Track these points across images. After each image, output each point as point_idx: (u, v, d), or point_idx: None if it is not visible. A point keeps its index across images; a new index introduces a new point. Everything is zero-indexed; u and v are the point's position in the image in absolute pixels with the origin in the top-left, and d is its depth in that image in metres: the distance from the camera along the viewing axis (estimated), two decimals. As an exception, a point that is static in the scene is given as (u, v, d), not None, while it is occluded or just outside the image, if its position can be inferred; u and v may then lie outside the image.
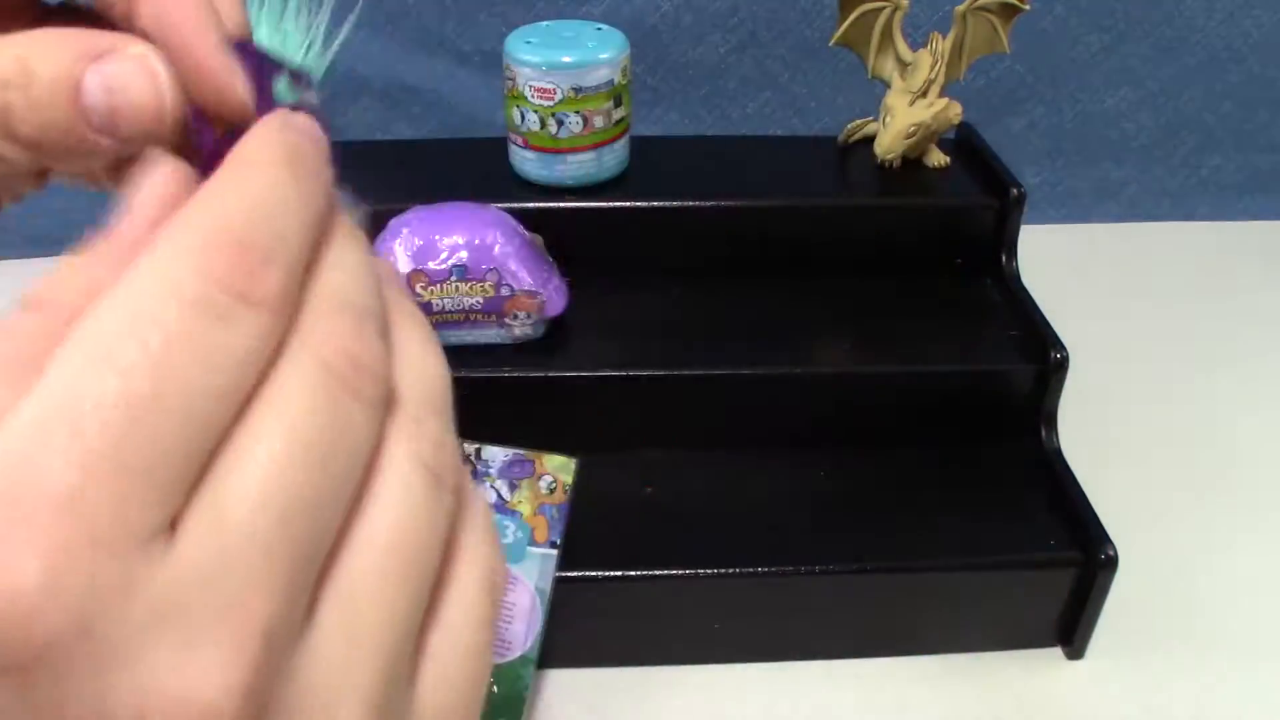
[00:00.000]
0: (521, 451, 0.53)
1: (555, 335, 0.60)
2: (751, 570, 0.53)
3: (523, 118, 0.62)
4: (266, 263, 0.16)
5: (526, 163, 0.64)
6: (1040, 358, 0.58)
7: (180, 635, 0.15)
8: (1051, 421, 0.59)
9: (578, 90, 0.60)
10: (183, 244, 0.16)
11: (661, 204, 0.64)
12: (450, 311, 0.57)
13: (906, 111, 0.64)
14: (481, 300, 0.56)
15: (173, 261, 0.16)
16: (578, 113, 0.61)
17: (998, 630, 0.56)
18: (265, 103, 0.20)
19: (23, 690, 0.14)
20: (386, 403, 0.18)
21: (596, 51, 0.60)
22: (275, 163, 0.18)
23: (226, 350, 0.16)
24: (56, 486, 0.14)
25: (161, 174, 0.18)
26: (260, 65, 0.21)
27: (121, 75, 0.18)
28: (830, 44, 0.66)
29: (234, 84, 0.19)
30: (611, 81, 0.61)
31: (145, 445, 0.15)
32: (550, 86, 0.60)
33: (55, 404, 0.14)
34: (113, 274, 0.16)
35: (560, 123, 0.61)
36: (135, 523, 0.14)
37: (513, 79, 0.61)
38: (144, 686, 0.14)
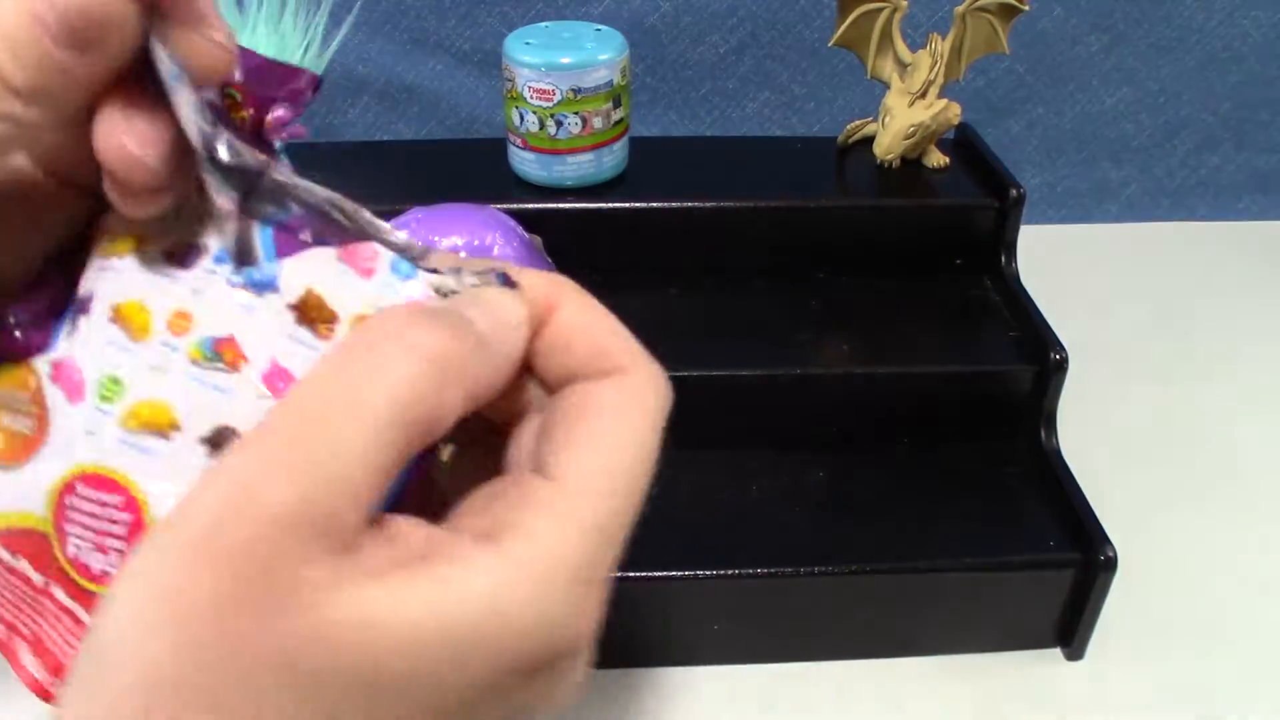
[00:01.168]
0: (521, 452, 0.53)
1: (555, 336, 0.60)
2: (751, 570, 0.53)
3: (522, 119, 0.62)
4: None
5: (525, 164, 0.64)
6: (1040, 358, 0.58)
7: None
8: (1051, 422, 0.59)
9: (577, 91, 0.60)
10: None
11: (661, 204, 0.64)
12: (450, 312, 0.57)
13: (906, 112, 0.64)
14: (481, 301, 0.56)
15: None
16: (577, 114, 0.61)
17: (997, 631, 0.56)
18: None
19: (545, 682, 0.22)
20: None
21: (595, 53, 0.60)
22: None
23: None
24: (608, 565, 0.23)
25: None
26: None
27: None
28: (829, 45, 0.66)
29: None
30: (610, 82, 0.61)
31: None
32: (549, 88, 0.60)
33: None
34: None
35: (559, 124, 0.61)
36: None
37: (511, 80, 0.61)
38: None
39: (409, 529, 0.21)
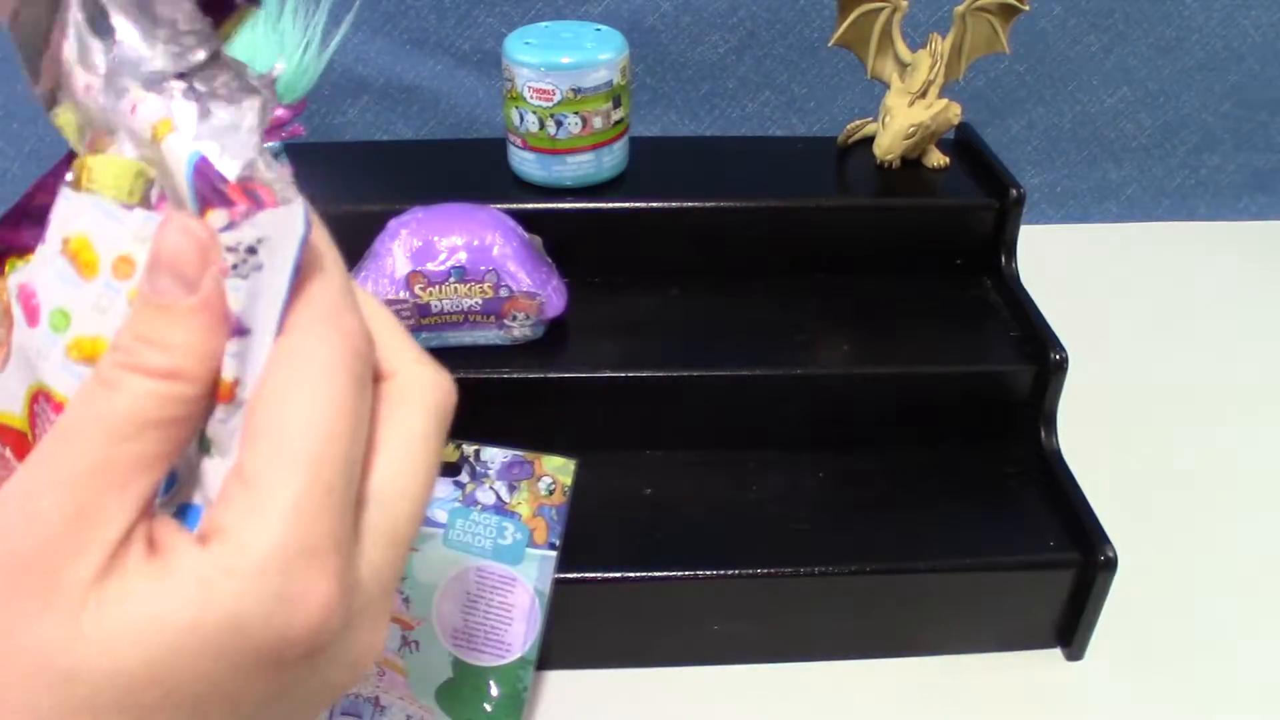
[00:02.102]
0: (521, 453, 0.53)
1: (554, 336, 0.60)
2: (751, 570, 0.53)
3: (521, 119, 0.62)
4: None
5: (525, 164, 0.64)
6: (1040, 358, 0.58)
7: (372, 613, 0.24)
8: (1051, 422, 0.59)
9: (576, 91, 0.60)
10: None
11: (661, 204, 0.64)
12: (449, 313, 0.57)
13: (906, 112, 0.64)
14: (480, 301, 0.56)
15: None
16: (576, 114, 0.61)
17: (997, 631, 0.56)
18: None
19: (304, 669, 0.23)
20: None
21: (595, 52, 0.60)
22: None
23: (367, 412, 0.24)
24: (324, 542, 0.22)
25: (180, 231, 0.23)
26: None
27: None
28: (829, 45, 0.66)
29: None
30: (610, 82, 0.61)
31: (345, 505, 0.23)
32: (549, 87, 0.60)
33: (306, 484, 0.22)
34: (211, 334, 0.23)
35: (559, 124, 0.61)
36: (349, 556, 0.23)
37: (511, 80, 0.61)
38: (361, 643, 0.24)
39: (159, 532, 0.23)
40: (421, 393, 0.26)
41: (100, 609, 0.21)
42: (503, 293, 0.56)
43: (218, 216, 0.23)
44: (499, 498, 0.51)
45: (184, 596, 0.21)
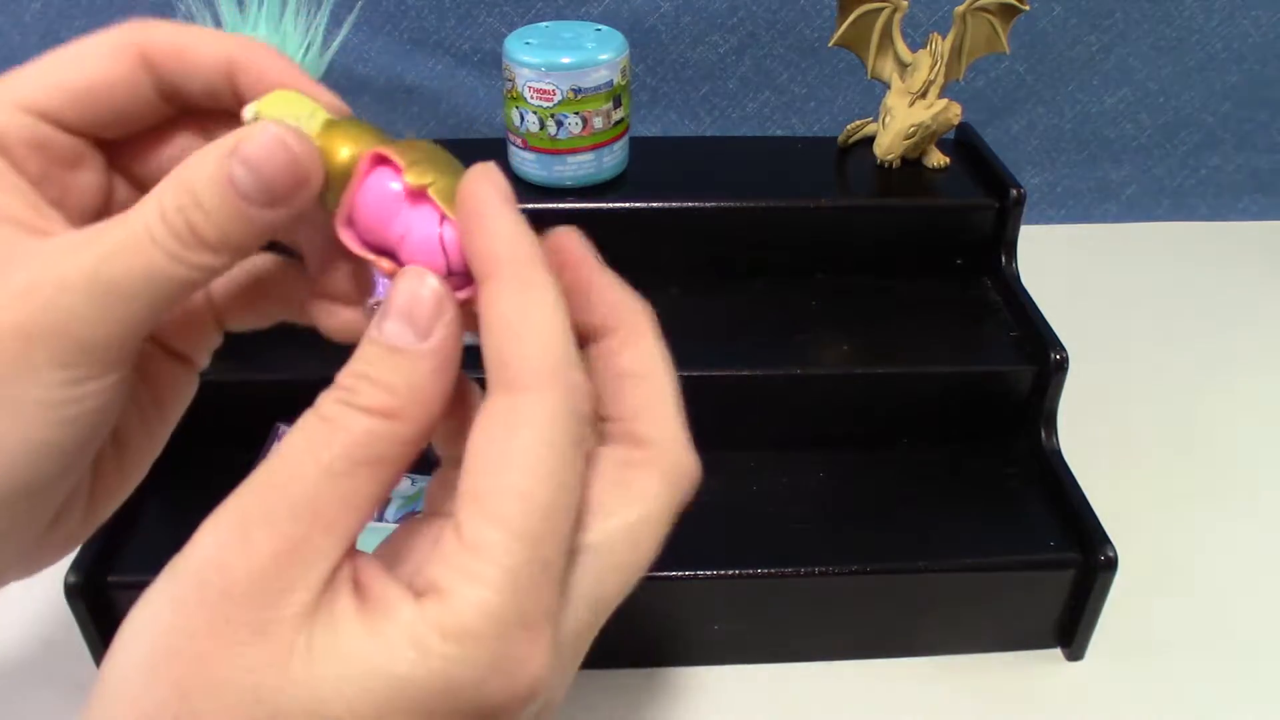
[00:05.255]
0: (521, 452, 0.53)
1: (555, 336, 0.60)
2: (751, 570, 0.53)
3: (522, 119, 0.62)
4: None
5: (526, 164, 0.64)
6: (1040, 358, 0.58)
7: (564, 672, 0.24)
8: (1051, 422, 0.59)
9: (577, 91, 0.60)
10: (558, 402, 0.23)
11: (661, 204, 0.64)
12: (450, 312, 0.57)
13: (906, 112, 0.64)
14: (481, 301, 0.56)
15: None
16: (577, 114, 0.61)
17: (997, 631, 0.56)
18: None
19: None
20: None
21: (596, 52, 0.60)
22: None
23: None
24: (539, 615, 0.22)
25: (418, 281, 0.24)
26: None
27: (255, 150, 0.23)
28: (830, 45, 0.66)
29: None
30: (611, 82, 0.61)
31: (560, 578, 0.23)
32: (549, 88, 0.60)
33: (529, 555, 0.22)
34: (436, 381, 0.24)
35: (559, 124, 0.61)
36: (558, 625, 0.23)
37: (512, 80, 0.61)
38: (551, 702, 0.23)
39: (366, 575, 0.22)
40: (676, 478, 0.26)
41: (310, 652, 0.21)
42: (503, 293, 0.56)
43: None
44: (499, 498, 0.51)
45: (397, 652, 0.21)
